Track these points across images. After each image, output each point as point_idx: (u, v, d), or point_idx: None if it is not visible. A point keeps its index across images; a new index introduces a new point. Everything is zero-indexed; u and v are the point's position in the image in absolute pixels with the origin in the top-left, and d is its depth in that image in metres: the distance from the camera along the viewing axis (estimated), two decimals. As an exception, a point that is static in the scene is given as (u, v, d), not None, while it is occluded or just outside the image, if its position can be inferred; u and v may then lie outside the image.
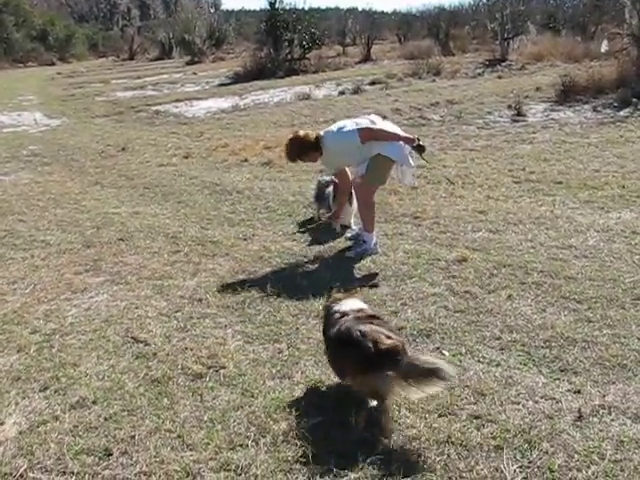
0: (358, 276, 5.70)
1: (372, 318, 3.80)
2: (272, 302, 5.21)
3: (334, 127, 6.32)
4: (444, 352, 4.29)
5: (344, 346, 3.64)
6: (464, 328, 4.62)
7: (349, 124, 6.18)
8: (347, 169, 6.59)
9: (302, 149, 6.34)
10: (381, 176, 6.28)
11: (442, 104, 14.97)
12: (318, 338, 4.54)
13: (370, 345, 3.46)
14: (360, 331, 3.56)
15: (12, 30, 57.08)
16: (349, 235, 6.68)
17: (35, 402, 4.00)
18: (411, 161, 6.26)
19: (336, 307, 4.00)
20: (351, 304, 4.01)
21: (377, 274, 5.70)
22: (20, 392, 4.12)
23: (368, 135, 6.04)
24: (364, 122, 6.18)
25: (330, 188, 6.97)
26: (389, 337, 3.52)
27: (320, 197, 7.09)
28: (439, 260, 5.89)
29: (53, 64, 55.98)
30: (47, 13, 68.23)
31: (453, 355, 4.25)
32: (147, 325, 4.96)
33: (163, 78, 28.69)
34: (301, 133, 6.41)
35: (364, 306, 4.07)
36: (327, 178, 7.06)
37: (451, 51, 28.85)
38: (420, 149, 6.15)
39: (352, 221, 7.00)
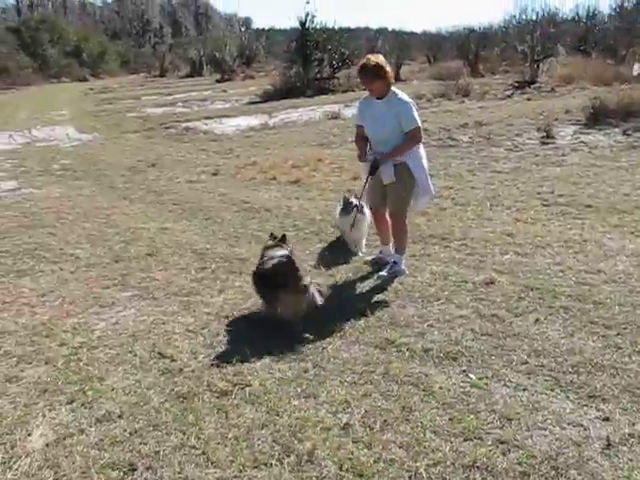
0: (385, 297, 5.68)
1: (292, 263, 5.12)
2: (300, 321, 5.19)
3: (408, 97, 6.13)
4: (470, 375, 4.26)
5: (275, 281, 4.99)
6: (491, 351, 4.58)
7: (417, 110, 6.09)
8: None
9: (380, 69, 5.97)
10: (406, 201, 6.21)
11: (471, 125, 14.97)
12: (344, 358, 4.56)
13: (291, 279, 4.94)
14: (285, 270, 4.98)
15: (47, 46, 58.15)
16: (369, 259, 6.63)
17: (62, 415, 4.03)
18: (431, 187, 6.22)
19: (269, 252, 5.31)
20: (278, 251, 5.31)
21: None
22: (47, 404, 4.16)
23: (418, 135, 6.02)
24: None
25: (355, 201, 6.85)
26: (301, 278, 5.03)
27: (345, 209, 6.93)
28: (466, 282, 5.86)
29: (86, 80, 56.86)
30: (82, 30, 69.32)
31: (479, 378, 4.22)
32: (174, 341, 4.98)
33: (193, 95, 28.99)
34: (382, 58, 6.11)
35: (287, 252, 5.30)
36: (353, 199, 6.94)
37: (480, 72, 28.91)
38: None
39: (363, 243, 6.95)
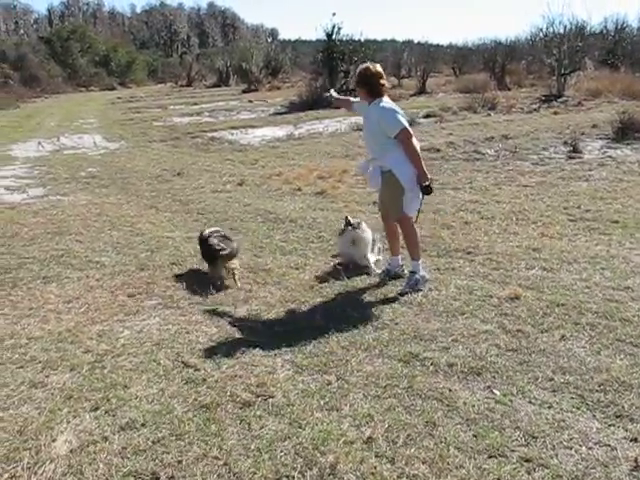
0: (409, 310, 5.65)
1: (224, 237, 6.75)
2: (322, 333, 5.19)
3: (388, 101, 6.13)
4: (495, 391, 4.23)
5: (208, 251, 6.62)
6: (515, 368, 4.54)
7: (403, 115, 6.04)
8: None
9: (366, 77, 6.11)
10: (399, 207, 6.13)
11: (497, 139, 14.92)
12: (368, 371, 4.55)
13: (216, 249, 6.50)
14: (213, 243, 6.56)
15: (77, 56, 58.88)
16: (378, 272, 6.59)
17: (86, 421, 4.06)
18: (419, 194, 6.09)
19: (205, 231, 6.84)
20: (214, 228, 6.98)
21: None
22: (72, 411, 4.18)
23: (407, 136, 5.89)
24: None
25: (352, 220, 6.86)
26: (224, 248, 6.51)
27: (343, 229, 6.93)
28: (491, 297, 5.82)
29: (114, 89, 57.51)
30: (111, 40, 70.16)
31: (504, 395, 4.18)
32: (197, 350, 4.99)
33: (219, 105, 29.16)
34: (379, 69, 6.16)
35: (219, 229, 7.00)
36: (351, 219, 6.93)
37: (507, 85, 28.83)
38: (426, 191, 6.01)
39: (371, 260, 6.82)
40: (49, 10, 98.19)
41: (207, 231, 6.87)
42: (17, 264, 7.31)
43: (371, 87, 6.10)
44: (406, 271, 6.36)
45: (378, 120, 6.02)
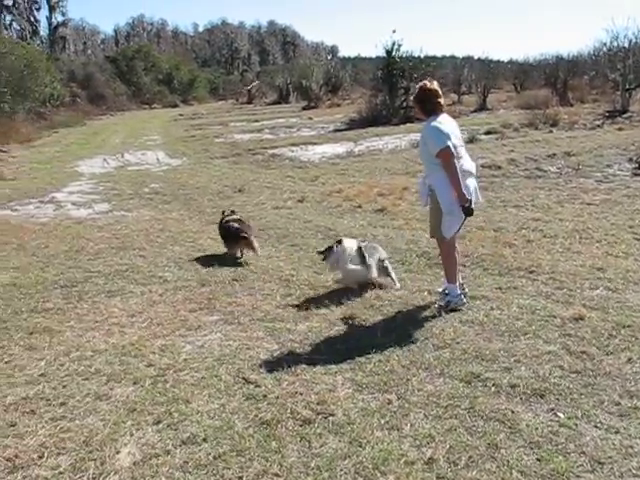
0: (471, 329, 5.58)
1: (239, 221, 8.27)
2: (383, 351, 5.18)
3: (442, 119, 6.03)
4: (559, 414, 4.14)
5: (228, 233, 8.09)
6: (580, 390, 4.45)
7: (448, 130, 5.94)
8: None
9: (421, 94, 6.12)
10: (437, 227, 6.10)
11: (559, 156, 14.69)
12: (429, 391, 4.51)
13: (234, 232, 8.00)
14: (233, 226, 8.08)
15: (141, 74, 60.20)
16: (439, 290, 6.51)
17: (148, 435, 4.12)
18: (462, 216, 5.98)
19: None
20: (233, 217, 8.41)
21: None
22: (135, 424, 4.25)
23: (446, 156, 5.82)
24: (458, 142, 6.00)
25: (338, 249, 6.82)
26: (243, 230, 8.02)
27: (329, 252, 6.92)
28: (554, 317, 5.72)
29: (176, 106, 58.50)
30: (174, 58, 71.51)
31: (568, 418, 4.09)
32: (258, 367, 5.02)
33: (280, 122, 29.39)
34: (435, 86, 6.12)
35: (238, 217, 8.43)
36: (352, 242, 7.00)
37: (569, 101, 28.37)
38: (467, 212, 5.93)
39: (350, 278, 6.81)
40: (115, 30, 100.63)
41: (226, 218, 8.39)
42: (83, 278, 7.49)
43: (426, 105, 6.11)
44: (466, 289, 6.28)
45: (424, 138, 6.05)
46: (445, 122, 6.02)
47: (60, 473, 3.74)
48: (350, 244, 6.92)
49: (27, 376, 5.00)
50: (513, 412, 4.18)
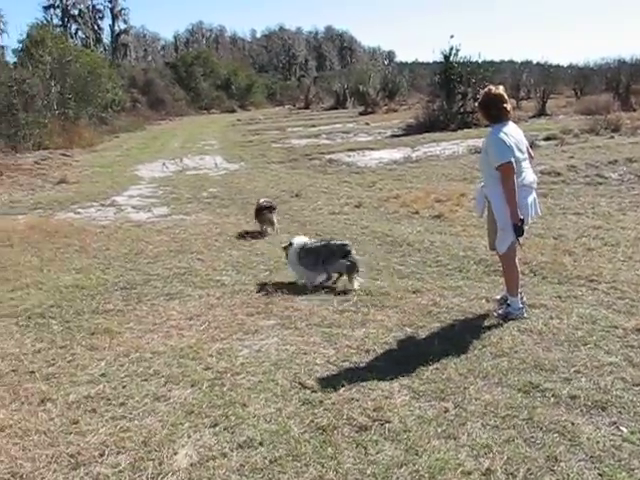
0: (529, 338, 5.49)
1: (268, 203, 10.01)
2: (440, 358, 5.13)
3: (508, 129, 5.93)
4: (622, 428, 4.04)
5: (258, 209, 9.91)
6: (644, 403, 4.34)
7: (513, 142, 5.82)
8: None
9: (486, 100, 6.05)
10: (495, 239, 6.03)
11: (621, 162, 14.37)
12: (486, 400, 4.45)
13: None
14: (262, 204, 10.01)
15: (200, 80, 61.05)
16: (498, 297, 6.41)
17: (205, 437, 4.16)
18: (510, 233, 5.85)
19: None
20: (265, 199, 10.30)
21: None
22: (192, 426, 4.30)
23: (506, 171, 5.70)
24: (521, 155, 5.89)
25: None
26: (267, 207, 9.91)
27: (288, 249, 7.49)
28: (616, 328, 5.58)
29: (234, 111, 59.15)
30: (232, 64, 72.37)
31: (632, 432, 3.99)
32: (315, 372, 5.03)
33: (337, 127, 29.44)
34: (500, 91, 6.05)
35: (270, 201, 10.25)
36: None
37: (632, 106, 27.77)
38: (517, 231, 5.80)
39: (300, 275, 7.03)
40: (175, 37, 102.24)
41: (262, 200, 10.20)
42: (142, 280, 7.62)
43: (490, 110, 6.02)
44: (524, 298, 6.19)
45: (486, 147, 5.97)
46: (511, 132, 5.91)
47: (120, 471, 3.81)
48: (299, 242, 7.34)
49: (89, 375, 5.12)
50: (573, 424, 4.10)
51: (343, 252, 7.15)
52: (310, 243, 7.37)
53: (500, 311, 6.04)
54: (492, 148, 5.83)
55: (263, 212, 9.89)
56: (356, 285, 7.00)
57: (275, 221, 9.95)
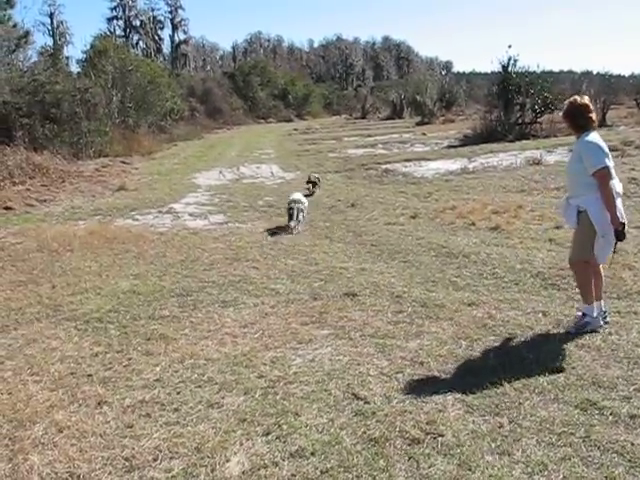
0: (587, 354, 5.37)
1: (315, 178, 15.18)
2: (494, 373, 5.04)
3: (596, 136, 5.88)
4: (683, 450, 3.92)
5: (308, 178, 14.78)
6: None
7: (607, 154, 5.78)
8: None
9: (572, 110, 5.99)
10: (585, 249, 5.87)
11: (685, 175, 14.01)
12: (542, 416, 4.37)
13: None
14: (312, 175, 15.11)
15: (257, 89, 61.77)
16: (579, 313, 6.29)
17: (258, 445, 4.17)
18: (613, 240, 5.77)
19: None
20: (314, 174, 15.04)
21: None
22: (245, 433, 4.32)
23: (604, 177, 5.65)
24: (611, 162, 5.79)
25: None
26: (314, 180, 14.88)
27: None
28: (679, 346, 5.44)
29: (290, 120, 59.59)
30: (289, 74, 73.05)
31: (694, 454, 3.86)
32: (368, 383, 5.00)
33: (393, 137, 29.41)
34: (585, 101, 5.99)
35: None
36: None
37: (696, 118, 27.07)
38: (619, 236, 5.70)
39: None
40: (233, 47, 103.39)
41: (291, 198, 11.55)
42: (198, 287, 7.70)
43: (577, 120, 5.97)
44: (608, 318, 6.06)
45: (580, 155, 5.86)
46: (600, 140, 5.87)
47: (173, 477, 3.85)
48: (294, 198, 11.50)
49: (144, 380, 5.19)
50: (633, 444, 3.98)
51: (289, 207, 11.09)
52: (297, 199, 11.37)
53: (578, 323, 5.92)
54: (588, 154, 5.77)
55: (311, 182, 15.04)
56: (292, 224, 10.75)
57: (316, 190, 14.90)
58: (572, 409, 4.47)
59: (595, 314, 5.91)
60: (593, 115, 5.97)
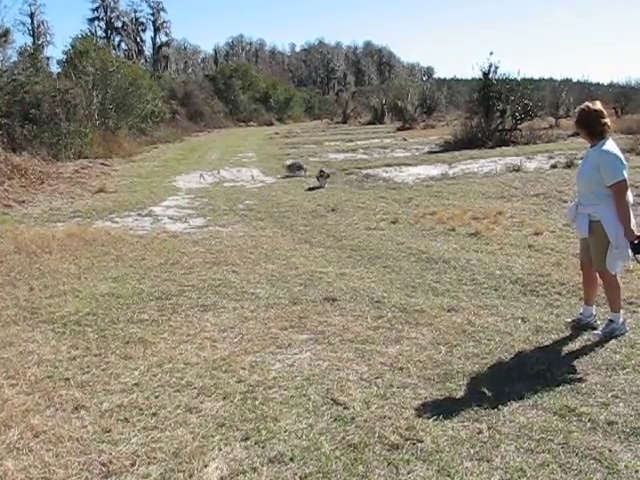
0: (565, 360, 5.40)
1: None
2: (474, 378, 5.07)
3: (614, 145, 5.86)
4: (661, 456, 3.94)
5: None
6: (685, 431, 4.22)
7: (623, 163, 5.77)
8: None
9: (585, 117, 5.93)
10: (601, 260, 5.89)
11: (664, 182, 14.14)
12: (520, 422, 4.38)
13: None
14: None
15: (239, 93, 61.75)
16: (569, 320, 6.28)
17: (236, 450, 4.14)
18: (629, 252, 5.82)
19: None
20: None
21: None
22: (223, 439, 4.28)
23: (621, 189, 5.67)
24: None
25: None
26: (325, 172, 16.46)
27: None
28: (657, 352, 5.47)
29: (272, 124, 59.64)
30: (270, 77, 73.12)
31: (672, 461, 3.88)
32: (347, 388, 4.98)
33: (374, 142, 29.52)
34: (598, 107, 5.94)
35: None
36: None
37: (676, 127, 27.31)
38: (635, 249, 5.75)
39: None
40: (215, 50, 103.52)
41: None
42: (177, 291, 7.65)
43: (591, 127, 5.91)
44: (598, 322, 6.13)
45: (597, 164, 5.80)
46: (618, 149, 5.87)
47: (150, 482, 3.81)
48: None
49: (122, 384, 5.14)
50: (611, 451, 4.00)
51: None
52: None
53: (606, 329, 5.92)
54: (606, 165, 5.74)
55: (322, 175, 16.50)
56: None
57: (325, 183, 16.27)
58: (551, 415, 4.49)
59: (621, 321, 5.94)
60: (608, 120, 5.92)
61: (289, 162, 18.96)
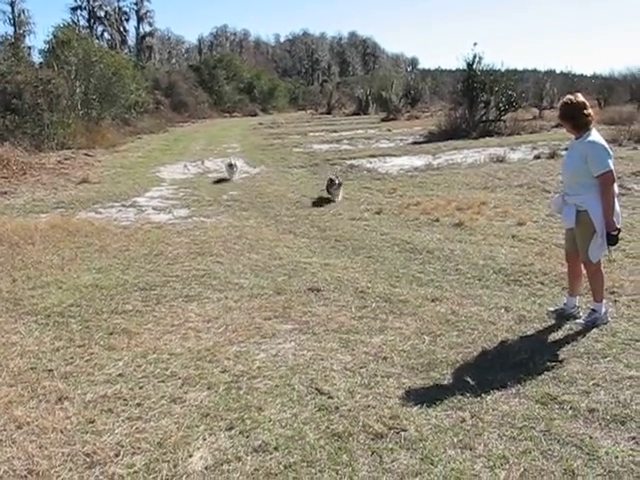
0: (547, 349, 5.44)
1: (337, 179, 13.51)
2: (458, 368, 5.11)
3: (599, 137, 5.92)
4: (642, 443, 3.98)
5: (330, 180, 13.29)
6: (665, 420, 4.27)
7: (611, 155, 5.84)
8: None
9: (569, 110, 5.97)
10: (587, 248, 5.95)
11: (644, 173, 14.24)
12: (503, 411, 4.42)
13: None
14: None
15: (223, 83, 61.50)
16: (551, 309, 6.35)
17: (221, 440, 4.16)
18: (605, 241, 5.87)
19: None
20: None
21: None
22: (208, 428, 4.30)
23: (608, 180, 5.73)
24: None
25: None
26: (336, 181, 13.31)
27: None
28: (636, 341, 5.51)
29: (256, 115, 59.50)
30: (255, 68, 72.87)
31: (651, 447, 3.93)
32: (331, 378, 5.01)
33: (358, 133, 29.50)
34: (580, 99, 5.99)
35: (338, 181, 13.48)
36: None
37: (657, 118, 27.49)
38: (611, 240, 5.81)
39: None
40: (199, 40, 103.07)
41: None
42: (162, 282, 7.64)
43: (576, 119, 5.96)
44: (581, 313, 6.17)
45: (584, 155, 5.84)
46: (603, 140, 5.92)
47: (135, 472, 3.81)
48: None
49: (106, 375, 5.13)
50: (591, 438, 4.05)
51: None
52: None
53: (588, 318, 5.98)
54: (594, 156, 5.79)
55: (332, 185, 13.26)
56: None
57: (340, 194, 13.27)
58: (533, 403, 4.53)
59: (603, 310, 6.00)
60: (591, 111, 5.97)
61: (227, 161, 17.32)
